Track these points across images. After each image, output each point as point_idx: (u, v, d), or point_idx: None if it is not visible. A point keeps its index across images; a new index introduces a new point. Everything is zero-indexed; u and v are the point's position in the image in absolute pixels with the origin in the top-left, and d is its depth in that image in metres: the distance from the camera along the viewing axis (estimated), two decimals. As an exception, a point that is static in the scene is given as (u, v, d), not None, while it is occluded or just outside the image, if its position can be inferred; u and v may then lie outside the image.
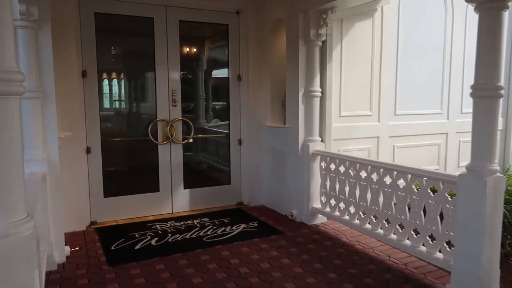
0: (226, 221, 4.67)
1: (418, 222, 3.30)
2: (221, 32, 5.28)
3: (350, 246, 3.89)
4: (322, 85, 4.52)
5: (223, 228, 4.40)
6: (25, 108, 3.16)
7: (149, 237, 4.14)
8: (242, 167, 5.31)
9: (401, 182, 3.45)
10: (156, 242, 4.01)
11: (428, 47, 5.32)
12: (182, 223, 4.60)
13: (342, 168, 4.14)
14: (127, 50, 5.07)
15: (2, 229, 1.72)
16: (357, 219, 3.99)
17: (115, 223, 4.58)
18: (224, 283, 3.16)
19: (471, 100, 2.69)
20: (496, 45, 2.59)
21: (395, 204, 3.53)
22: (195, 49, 5.39)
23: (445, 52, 5.46)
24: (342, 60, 4.72)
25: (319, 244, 3.94)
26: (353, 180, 3.99)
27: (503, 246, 3.25)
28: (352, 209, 4.04)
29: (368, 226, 3.85)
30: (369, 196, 3.81)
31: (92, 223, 4.52)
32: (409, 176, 3.36)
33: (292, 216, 4.71)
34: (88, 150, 4.43)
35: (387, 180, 3.61)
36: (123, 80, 4.97)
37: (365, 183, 3.84)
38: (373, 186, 3.74)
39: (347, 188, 4.09)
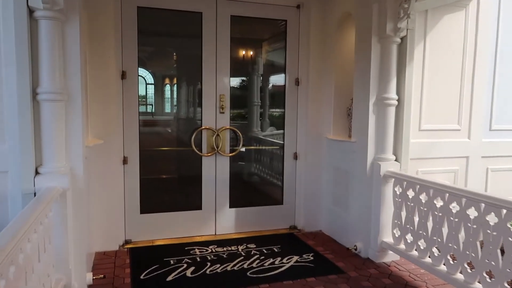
0: (276, 250, 3.95)
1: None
2: (278, 30, 4.62)
3: (433, 299, 3.01)
4: (399, 92, 3.67)
5: (271, 260, 3.69)
6: (45, 113, 2.71)
7: (185, 265, 3.55)
8: (297, 185, 4.58)
9: (514, 224, 2.53)
10: (192, 273, 3.40)
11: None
12: (224, 248, 3.96)
13: (424, 197, 3.26)
14: (171, 50, 4.58)
15: None
16: (443, 264, 3.09)
17: (151, 244, 4.06)
18: None
19: None
20: None
21: (502, 252, 2.60)
22: (248, 49, 4.79)
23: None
24: (425, 61, 3.83)
25: (391, 293, 3.10)
26: (439, 214, 3.10)
27: None
28: (435, 251, 3.15)
29: (459, 276, 2.94)
30: (461, 237, 2.91)
31: (126, 242, 4.03)
32: (528, 217, 2.43)
33: (356, 249, 3.88)
34: (125, 161, 3.96)
35: (491, 218, 2.70)
36: (165, 83, 4.48)
37: (457, 220, 2.94)
38: (469, 225, 2.83)
39: (430, 223, 3.21)
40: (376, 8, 3.58)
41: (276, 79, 4.98)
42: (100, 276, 3.21)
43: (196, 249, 3.92)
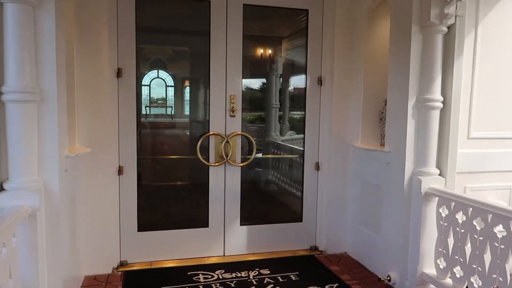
0: (294, 278, 3.36)
1: None
2: (298, 26, 4.06)
3: None
4: (445, 92, 3.03)
5: (288, 292, 3.11)
6: (11, 116, 2.22)
7: (185, 296, 3.00)
8: (318, 200, 3.97)
9: None
10: (192, 308, 2.85)
11: None
12: (233, 274, 3.39)
13: (479, 222, 2.61)
14: (175, 44, 4.06)
15: None
16: (505, 309, 2.43)
17: (149, 266, 3.53)
18: None
19: None
20: None
21: None
22: (266, 47, 4.24)
23: None
24: (476, 56, 3.17)
25: None
26: (501, 246, 2.44)
27: None
28: (495, 291, 2.50)
29: (529, 328, 2.28)
30: (533, 278, 2.26)
31: (122, 263, 3.52)
32: None
33: (389, 280, 3.25)
34: (120, 171, 3.45)
35: None
36: (163, 82, 3.97)
37: (527, 255, 2.29)
38: (545, 263, 2.18)
39: (487, 256, 2.55)
40: (418, -10, 2.95)
41: (297, 80, 4.42)
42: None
43: (200, 275, 3.36)
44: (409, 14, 3.00)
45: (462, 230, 2.74)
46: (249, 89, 3.97)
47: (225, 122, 3.67)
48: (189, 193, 4.01)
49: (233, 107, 3.66)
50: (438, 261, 2.97)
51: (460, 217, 2.77)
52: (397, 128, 3.17)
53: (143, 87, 3.90)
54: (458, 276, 2.80)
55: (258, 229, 3.89)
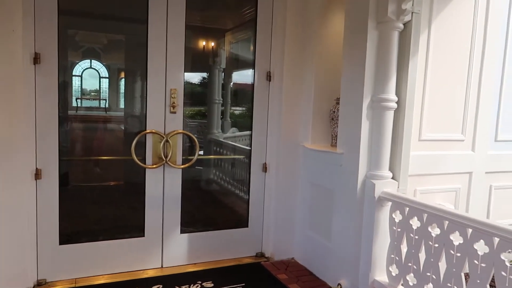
0: (240, 290, 3.09)
1: None
2: (245, 18, 3.78)
3: None
4: (399, 92, 2.91)
5: (234, 308, 2.82)
6: None
7: (115, 320, 2.59)
8: (266, 204, 3.73)
9: None
10: (123, 335, 2.45)
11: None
12: (173, 290, 3.03)
13: (435, 229, 2.51)
14: (109, 32, 3.59)
15: None
16: (460, 319, 2.35)
17: (73, 285, 3.04)
18: None
19: None
20: None
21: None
22: (206, 36, 3.91)
23: None
24: (429, 55, 3.09)
25: None
26: (457, 254, 2.35)
27: None
28: (450, 300, 2.41)
29: (485, 339, 2.21)
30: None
31: (39, 283, 3.00)
32: None
33: (340, 289, 3.10)
34: (38, 175, 2.92)
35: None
36: (97, 72, 3.49)
37: (484, 265, 2.20)
38: (503, 273, 2.10)
39: (442, 264, 2.46)
40: (375, -16, 2.79)
41: (242, 74, 4.15)
42: None
43: (134, 292, 2.96)
44: (366, 9, 2.83)
45: (417, 237, 2.63)
46: (189, 84, 3.63)
47: (165, 119, 3.28)
48: (122, 199, 3.56)
49: (174, 103, 3.28)
50: (391, 268, 2.85)
51: (414, 223, 2.66)
52: (351, 129, 3.01)
53: (74, 77, 3.44)
54: (411, 284, 2.69)
55: (200, 237, 3.55)
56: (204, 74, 4.10)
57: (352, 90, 3.00)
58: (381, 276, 2.92)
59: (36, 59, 2.84)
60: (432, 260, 2.52)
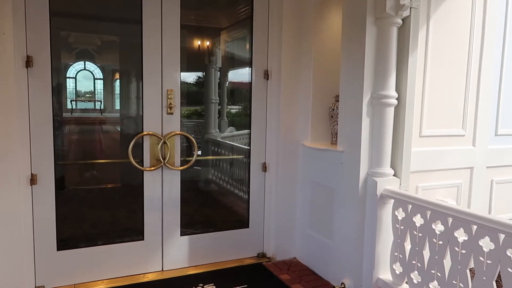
0: (242, 292, 3.05)
1: None
2: (241, 16, 3.74)
3: None
4: (399, 88, 2.87)
5: (236, 311, 2.78)
6: None
7: (117, 327, 2.55)
8: (266, 204, 3.69)
9: None
10: None
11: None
12: (174, 293, 2.99)
13: (439, 226, 2.48)
14: (103, 33, 3.52)
15: None
16: (466, 317, 2.33)
17: (73, 291, 3.00)
18: None
19: None
20: None
21: None
22: (201, 35, 3.86)
23: None
24: (428, 51, 3.06)
25: None
26: (462, 251, 2.33)
27: None
28: (455, 298, 2.38)
29: (493, 336, 2.18)
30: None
31: (38, 290, 2.95)
32: None
33: (343, 288, 3.07)
34: (33, 180, 2.86)
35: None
36: (91, 74, 3.43)
37: (489, 261, 2.17)
38: (509, 270, 2.07)
39: (447, 261, 2.43)
40: (373, -21, 2.75)
41: (239, 73, 4.10)
42: None
43: (135, 297, 2.92)
44: (364, 5, 2.79)
45: (420, 234, 2.60)
46: (185, 83, 3.58)
47: (162, 120, 3.23)
48: (121, 203, 3.50)
49: (171, 104, 3.23)
50: (394, 266, 2.82)
51: (418, 220, 2.63)
52: (351, 126, 2.97)
53: (68, 79, 3.38)
54: (415, 281, 2.66)
55: (201, 239, 3.50)
56: (200, 74, 4.05)
57: (351, 87, 2.96)
58: (385, 275, 2.89)
59: (29, 62, 2.77)
60: (436, 257, 2.49)
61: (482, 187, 3.47)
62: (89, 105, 3.78)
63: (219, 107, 4.01)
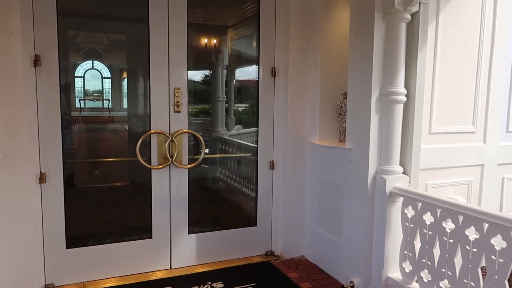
0: (250, 290, 3.04)
1: None
2: (248, 13, 3.72)
3: None
4: (408, 85, 2.84)
5: (244, 309, 2.78)
6: None
7: (126, 324, 2.56)
8: (274, 202, 3.67)
9: None
10: None
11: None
12: (182, 292, 3.00)
13: (449, 224, 2.45)
14: (110, 32, 3.53)
15: None
16: (477, 316, 2.29)
17: (82, 289, 3.02)
18: None
19: None
20: None
21: None
22: (208, 33, 3.86)
23: None
24: (437, 47, 3.02)
25: None
26: (473, 249, 2.29)
27: None
28: (467, 297, 2.35)
29: (505, 336, 2.15)
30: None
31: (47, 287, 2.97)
32: None
33: (352, 287, 3.04)
34: (42, 178, 2.88)
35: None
36: (99, 73, 3.44)
37: (501, 260, 2.14)
38: (523, 268, 2.04)
39: (457, 260, 2.40)
40: (381, -26, 2.72)
41: (246, 71, 4.09)
42: None
43: (143, 295, 2.93)
44: (372, 1, 2.75)
45: (430, 232, 2.57)
46: (192, 82, 3.58)
47: (169, 118, 3.23)
48: (129, 201, 3.51)
49: (178, 102, 3.23)
50: (404, 265, 2.79)
51: (428, 218, 2.60)
52: (360, 123, 2.94)
53: (76, 78, 3.41)
54: (425, 280, 2.63)
55: (209, 237, 3.51)
56: (207, 72, 4.05)
57: (359, 84, 2.93)
58: (394, 273, 2.86)
59: (36, 61, 2.79)
60: (447, 256, 2.45)
61: (493, 185, 3.42)
62: (97, 104, 3.81)
63: (227, 105, 4.00)
